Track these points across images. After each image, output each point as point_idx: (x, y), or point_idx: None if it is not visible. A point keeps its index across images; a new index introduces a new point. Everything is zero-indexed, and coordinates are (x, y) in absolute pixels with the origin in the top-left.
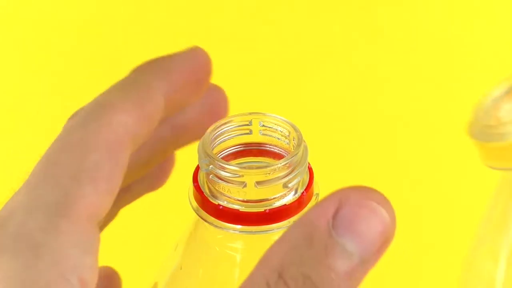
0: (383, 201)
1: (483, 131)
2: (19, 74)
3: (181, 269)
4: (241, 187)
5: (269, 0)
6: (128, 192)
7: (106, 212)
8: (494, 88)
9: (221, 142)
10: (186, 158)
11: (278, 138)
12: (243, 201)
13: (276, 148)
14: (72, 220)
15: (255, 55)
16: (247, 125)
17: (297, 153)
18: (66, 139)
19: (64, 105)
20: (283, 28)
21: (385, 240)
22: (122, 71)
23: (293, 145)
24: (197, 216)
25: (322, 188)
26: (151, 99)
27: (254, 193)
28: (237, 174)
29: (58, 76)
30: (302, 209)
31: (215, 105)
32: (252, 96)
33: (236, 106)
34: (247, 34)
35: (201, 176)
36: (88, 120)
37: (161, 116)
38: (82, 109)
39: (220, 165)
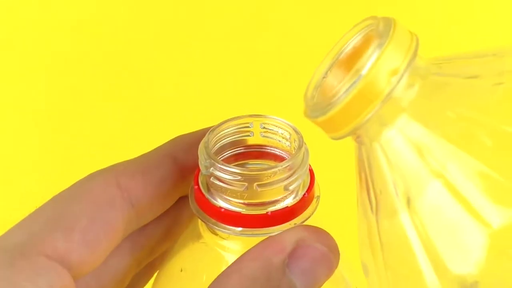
0: (333, 247)
1: (313, 109)
2: (15, 73)
3: (181, 271)
4: (242, 190)
5: (270, 1)
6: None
7: (90, 265)
8: (320, 65)
9: (222, 144)
10: None
11: (279, 140)
12: (244, 203)
13: (277, 150)
14: (29, 258)
15: (256, 57)
16: (248, 127)
17: (298, 156)
18: (62, 192)
19: (60, 105)
20: (284, 30)
21: (327, 280)
22: (121, 71)
23: (294, 148)
24: (198, 218)
25: (323, 190)
26: (158, 168)
27: (255, 195)
28: (238, 177)
29: (54, 75)
30: (303, 211)
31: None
32: (253, 98)
33: (237, 108)
34: (248, 35)
35: (202, 178)
36: (87, 178)
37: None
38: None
39: (221, 167)
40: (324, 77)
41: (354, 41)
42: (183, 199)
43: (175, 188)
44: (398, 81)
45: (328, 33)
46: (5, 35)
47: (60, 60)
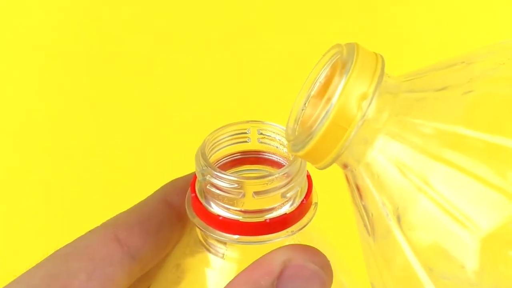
0: (323, 264)
1: (294, 143)
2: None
3: (178, 277)
4: (239, 197)
5: (270, 4)
6: None
7: None
8: (297, 98)
9: (218, 151)
10: (184, 166)
11: (277, 147)
12: (241, 211)
13: (275, 156)
14: None
15: (253, 63)
16: (245, 133)
17: (296, 162)
18: (61, 248)
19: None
20: (281, 36)
21: None
22: (118, 74)
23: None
24: (194, 225)
25: (321, 197)
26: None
27: (252, 203)
28: (234, 184)
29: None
30: (301, 218)
31: None
32: (250, 104)
33: (234, 114)
34: (245, 42)
35: (199, 185)
36: (87, 234)
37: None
38: None
39: (217, 174)
40: (302, 109)
41: (325, 70)
42: None
43: (173, 233)
44: (369, 105)
45: (327, 38)
46: (5, 35)
47: (59, 60)
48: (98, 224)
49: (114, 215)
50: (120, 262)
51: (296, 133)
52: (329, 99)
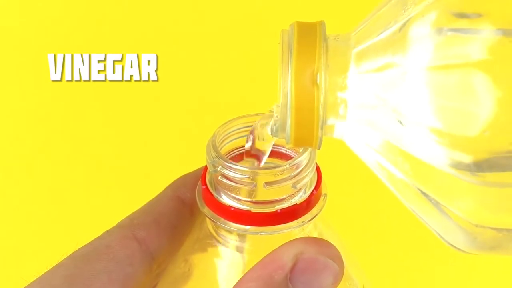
0: (335, 255)
1: (283, 137)
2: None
3: (188, 270)
4: (250, 188)
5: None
6: None
7: None
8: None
9: (229, 143)
10: (193, 159)
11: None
12: (252, 201)
13: (284, 148)
14: None
15: (263, 55)
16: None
17: (305, 154)
18: (81, 248)
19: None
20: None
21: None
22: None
23: None
24: (205, 216)
25: (330, 188)
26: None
27: (263, 193)
28: (246, 175)
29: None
30: (311, 209)
31: None
32: (260, 97)
33: (243, 106)
34: (253, 35)
35: (210, 177)
36: (106, 234)
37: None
38: None
39: (229, 165)
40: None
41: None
42: None
43: (186, 228)
44: (323, 78)
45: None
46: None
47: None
48: (110, 221)
49: (123, 212)
50: (140, 262)
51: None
52: (285, 94)
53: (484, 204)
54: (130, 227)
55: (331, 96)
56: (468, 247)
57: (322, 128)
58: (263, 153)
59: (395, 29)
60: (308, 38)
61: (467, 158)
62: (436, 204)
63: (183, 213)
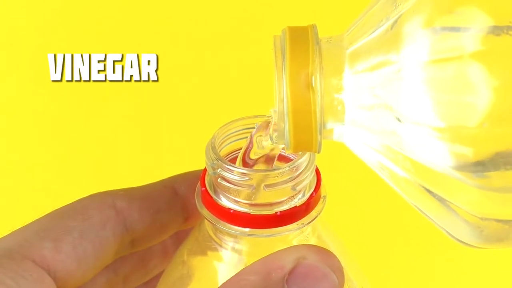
0: (337, 267)
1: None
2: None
3: (187, 272)
4: (250, 190)
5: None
6: None
7: (76, 279)
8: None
9: (227, 145)
10: (193, 160)
11: None
12: (251, 204)
13: (282, 151)
14: (16, 260)
15: (263, 55)
16: (254, 128)
17: (305, 156)
18: (60, 208)
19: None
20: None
21: None
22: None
23: None
24: (204, 218)
25: (329, 190)
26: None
27: (262, 196)
28: (245, 177)
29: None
30: (310, 211)
31: None
32: (260, 98)
33: (242, 109)
34: (252, 36)
35: (209, 179)
36: (86, 197)
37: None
38: None
39: (228, 168)
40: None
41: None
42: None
43: (172, 219)
44: (318, 81)
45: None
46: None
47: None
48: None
49: None
50: (113, 228)
51: (276, 136)
52: (281, 100)
53: (488, 196)
54: (112, 195)
55: (327, 98)
56: (475, 241)
57: (321, 132)
58: (271, 157)
59: (387, 26)
60: (301, 42)
61: (468, 151)
62: (441, 200)
63: (172, 202)
